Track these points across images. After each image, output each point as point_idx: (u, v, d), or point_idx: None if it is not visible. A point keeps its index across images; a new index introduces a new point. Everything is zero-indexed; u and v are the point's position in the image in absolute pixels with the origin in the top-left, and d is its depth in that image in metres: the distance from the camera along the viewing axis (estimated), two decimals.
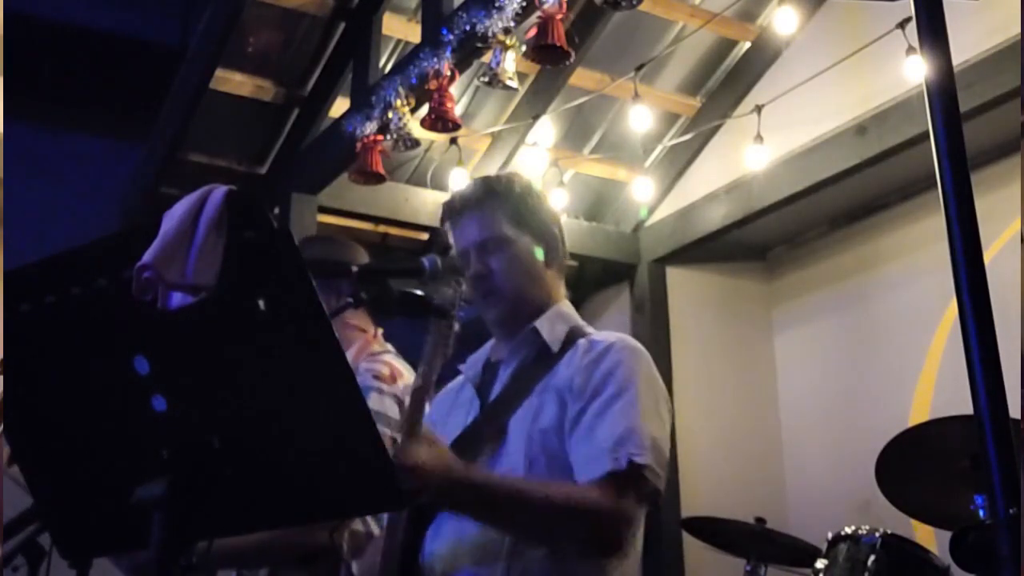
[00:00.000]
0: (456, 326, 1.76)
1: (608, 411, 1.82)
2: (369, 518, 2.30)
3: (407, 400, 2.37)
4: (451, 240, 2.06)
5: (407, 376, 2.47)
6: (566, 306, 2.06)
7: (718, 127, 4.89)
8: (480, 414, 1.96)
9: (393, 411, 2.38)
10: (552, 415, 1.87)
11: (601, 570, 1.83)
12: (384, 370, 2.44)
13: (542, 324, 1.98)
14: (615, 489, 1.76)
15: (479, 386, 2.02)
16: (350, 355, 2.51)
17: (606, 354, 1.90)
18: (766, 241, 5.14)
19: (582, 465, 1.80)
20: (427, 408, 1.82)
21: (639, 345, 1.96)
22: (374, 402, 2.35)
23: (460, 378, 2.10)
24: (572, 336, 1.98)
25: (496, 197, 2.02)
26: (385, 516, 2.06)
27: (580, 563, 1.82)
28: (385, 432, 2.31)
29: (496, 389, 1.99)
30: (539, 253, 2.02)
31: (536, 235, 2.03)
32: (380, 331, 2.63)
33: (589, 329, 2.03)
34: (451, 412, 2.02)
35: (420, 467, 1.60)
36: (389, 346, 2.60)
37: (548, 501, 1.75)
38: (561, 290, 2.08)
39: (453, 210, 2.05)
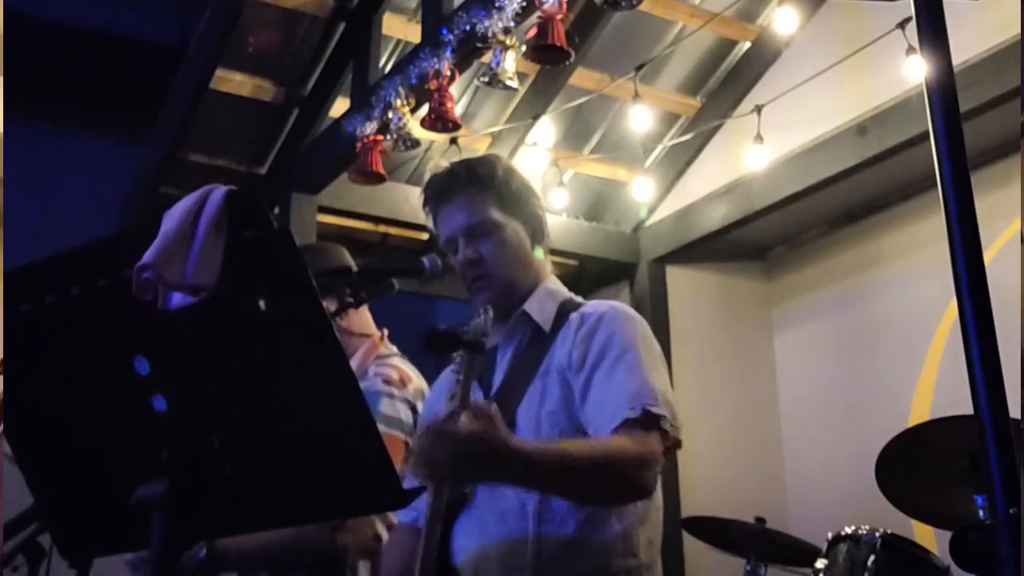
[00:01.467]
0: (488, 351, 1.76)
1: (614, 373, 1.84)
2: (377, 520, 2.30)
3: (418, 404, 2.38)
4: (434, 225, 2.05)
5: (416, 380, 2.48)
6: (553, 283, 2.06)
7: (718, 127, 4.89)
8: None
9: (405, 415, 2.38)
10: (557, 396, 1.88)
11: (627, 541, 1.84)
12: (394, 375, 2.45)
13: (531, 306, 1.99)
14: (636, 435, 1.77)
15: (479, 376, 2.01)
16: (357, 359, 2.52)
17: (600, 324, 1.91)
18: (766, 241, 5.14)
19: (600, 423, 1.80)
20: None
21: (631, 310, 1.99)
22: (385, 406, 2.36)
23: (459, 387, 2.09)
24: (563, 311, 1.99)
25: (480, 181, 2.01)
26: (420, 516, 2.06)
27: (605, 539, 1.83)
28: (397, 436, 2.32)
29: (497, 377, 1.99)
30: (526, 235, 2.02)
31: (522, 217, 2.03)
32: (386, 332, 2.63)
33: (579, 300, 2.04)
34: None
35: (473, 436, 1.58)
36: (395, 348, 2.60)
37: (589, 456, 1.75)
38: (545, 269, 2.08)
39: (436, 195, 2.04)
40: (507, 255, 1.98)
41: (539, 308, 1.99)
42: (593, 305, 1.99)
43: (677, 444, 1.86)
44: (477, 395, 1.99)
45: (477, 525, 1.87)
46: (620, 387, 1.81)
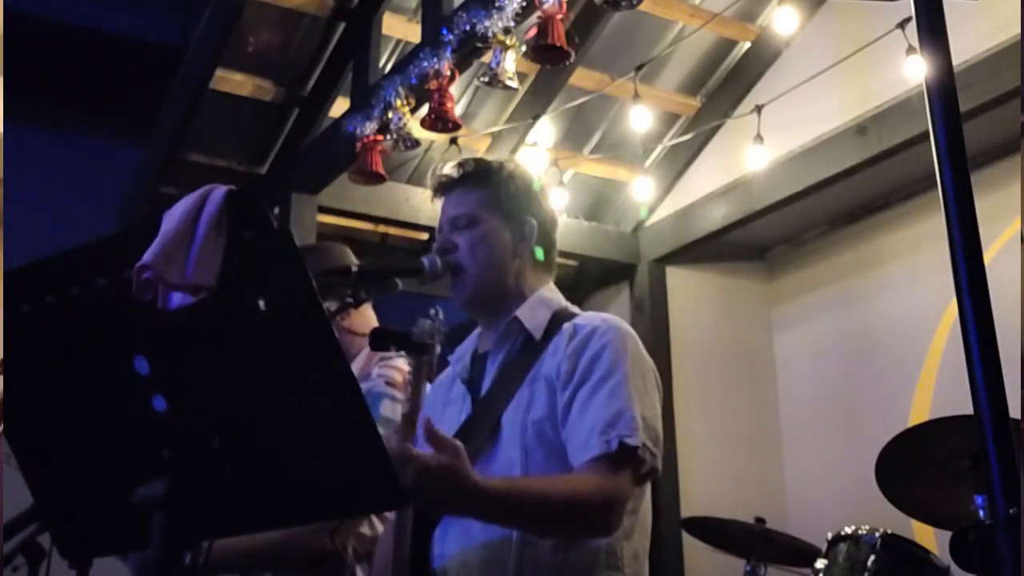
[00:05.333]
0: (437, 352, 1.75)
1: (596, 395, 1.83)
2: (375, 520, 2.30)
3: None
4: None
5: None
6: (549, 291, 2.06)
7: (718, 127, 4.89)
8: (473, 411, 1.96)
9: None
10: (543, 405, 1.87)
11: (612, 554, 1.84)
12: (397, 376, 2.44)
13: (523, 313, 1.98)
14: (608, 470, 1.77)
15: (468, 381, 2.02)
16: (361, 360, 2.52)
17: (591, 338, 1.90)
18: (766, 241, 5.14)
19: (575, 450, 1.81)
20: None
21: (624, 324, 1.96)
22: (387, 409, 2.35)
23: (449, 371, 2.09)
24: (556, 320, 1.98)
25: (477, 177, 2.04)
26: (392, 518, 2.06)
27: (589, 552, 1.83)
28: None
29: (486, 383, 1.99)
30: (511, 238, 2.02)
31: (513, 221, 2.02)
32: None
33: (575, 310, 2.03)
34: (445, 408, 2.02)
35: (435, 468, 1.57)
36: None
37: (553, 498, 1.75)
38: (541, 280, 2.06)
39: (439, 187, 2.08)
40: (481, 251, 1.98)
41: (531, 315, 1.98)
42: (587, 317, 1.98)
43: (654, 471, 1.85)
44: (467, 400, 1.99)
45: (460, 531, 1.87)
46: (599, 412, 1.81)
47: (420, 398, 1.69)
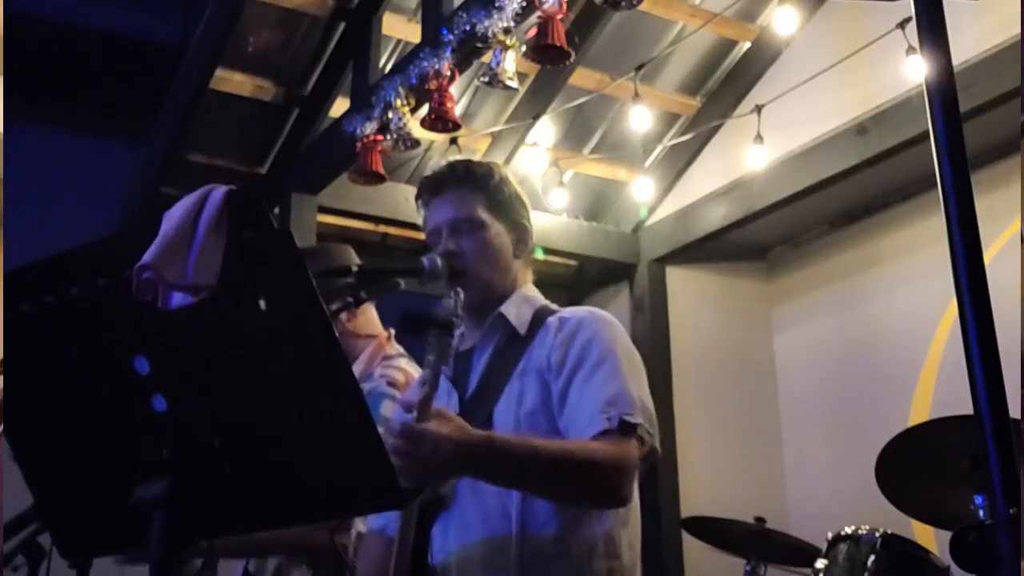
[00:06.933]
0: (457, 334, 1.77)
1: (592, 379, 1.86)
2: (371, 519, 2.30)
3: None
4: (424, 218, 2.08)
5: None
6: (530, 289, 2.09)
7: (718, 127, 4.89)
8: (462, 406, 1.97)
9: None
10: (535, 396, 1.89)
11: (609, 543, 1.86)
12: (399, 376, 2.44)
13: (508, 309, 2.01)
14: (612, 442, 1.79)
15: (454, 377, 2.02)
16: (363, 361, 2.52)
17: (579, 328, 1.93)
18: (766, 241, 5.14)
19: (577, 432, 1.83)
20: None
21: (609, 315, 2.00)
22: (387, 409, 2.36)
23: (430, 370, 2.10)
24: (539, 316, 2.01)
25: (475, 180, 2.04)
26: (390, 523, 2.06)
27: (588, 541, 1.85)
28: None
29: (473, 379, 2.00)
30: (510, 240, 2.05)
31: (509, 224, 2.05)
32: (392, 332, 2.62)
33: (555, 307, 2.06)
34: None
35: (438, 439, 1.60)
36: (400, 348, 2.60)
37: (563, 452, 1.77)
38: (528, 277, 2.10)
39: (430, 187, 2.07)
40: (487, 254, 2.00)
41: (516, 312, 2.01)
42: (571, 310, 2.02)
43: (653, 451, 1.87)
44: (453, 397, 2.00)
45: (459, 526, 1.88)
46: (598, 394, 1.83)
47: (439, 373, 1.71)
